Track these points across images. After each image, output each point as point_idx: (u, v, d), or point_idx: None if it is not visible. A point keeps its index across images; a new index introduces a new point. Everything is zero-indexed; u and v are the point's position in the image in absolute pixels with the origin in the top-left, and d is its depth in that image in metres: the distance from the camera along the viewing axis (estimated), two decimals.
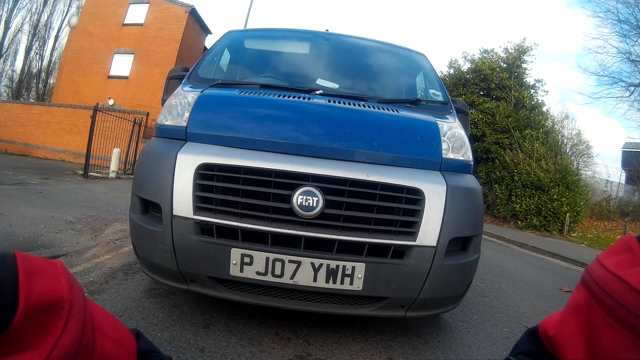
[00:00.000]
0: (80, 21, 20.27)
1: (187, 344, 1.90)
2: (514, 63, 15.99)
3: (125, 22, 18.54)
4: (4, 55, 32.59)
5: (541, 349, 0.43)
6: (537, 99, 16.21)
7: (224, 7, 65.82)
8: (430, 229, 1.82)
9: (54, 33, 32.45)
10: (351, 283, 1.77)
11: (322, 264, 1.75)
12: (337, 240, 1.76)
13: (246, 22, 14.24)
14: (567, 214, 11.53)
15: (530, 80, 16.66)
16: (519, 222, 12.22)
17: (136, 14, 18.41)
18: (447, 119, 2.37)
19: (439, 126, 2.18)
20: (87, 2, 20.48)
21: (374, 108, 2.22)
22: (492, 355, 2.23)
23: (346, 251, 1.79)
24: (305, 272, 1.75)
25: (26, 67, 33.10)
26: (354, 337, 2.19)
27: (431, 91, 3.00)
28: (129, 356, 0.39)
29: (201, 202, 1.79)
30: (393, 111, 2.23)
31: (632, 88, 17.52)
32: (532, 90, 16.44)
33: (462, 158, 2.16)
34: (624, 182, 22.09)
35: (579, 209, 12.14)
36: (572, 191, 11.84)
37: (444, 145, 2.11)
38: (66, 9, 31.70)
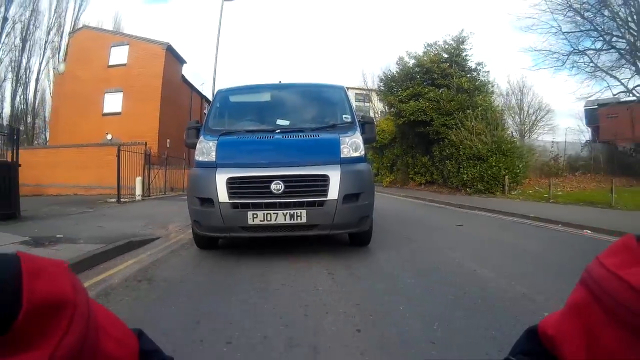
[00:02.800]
0: (68, 67, 22.37)
1: (226, 270, 4.16)
2: (454, 52, 18.40)
3: (110, 63, 20.69)
4: None
5: (541, 349, 0.43)
6: (481, 79, 18.64)
7: (193, 33, 67.79)
8: (333, 192, 4.12)
9: (34, 76, 34.11)
10: (301, 219, 4.06)
11: (287, 213, 4.03)
12: (292, 202, 4.07)
13: (217, 41, 16.49)
14: (506, 177, 13.93)
15: (472, 64, 19.11)
16: (467, 189, 14.63)
17: (118, 55, 20.58)
18: (349, 133, 4.61)
19: (340, 140, 4.45)
20: (71, 49, 22.58)
21: (306, 136, 4.56)
22: (402, 267, 4.46)
23: (296, 206, 4.06)
24: (280, 217, 4.04)
25: (15, 113, 34.85)
26: (303, 261, 4.26)
27: (343, 116, 5.19)
28: (131, 356, 0.40)
29: (230, 194, 4.08)
30: (316, 136, 4.57)
31: (564, 58, 19.85)
32: (475, 73, 18.87)
33: (356, 155, 4.46)
34: (570, 141, 24.33)
35: (517, 170, 14.56)
36: (508, 157, 14.25)
37: (345, 150, 4.39)
38: (42, 52, 33.41)
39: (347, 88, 20.92)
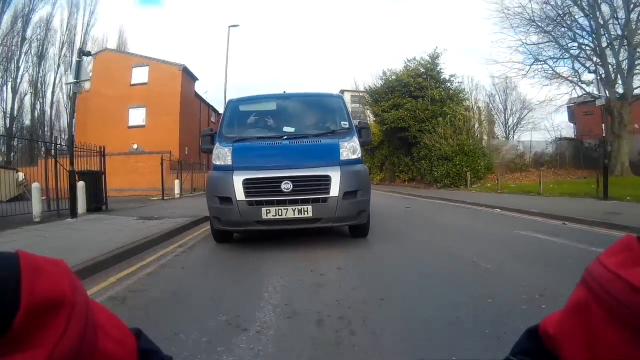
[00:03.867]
0: (93, 85, 25.46)
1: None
2: (429, 67, 21.62)
3: (132, 82, 23.83)
4: (16, 118, 37.38)
5: (541, 348, 0.43)
6: (454, 88, 21.84)
7: (204, 51, 71.26)
8: (334, 189, 4.80)
9: (49, 90, 37.05)
10: (307, 214, 4.76)
11: (295, 208, 4.74)
12: (299, 199, 4.77)
13: (226, 63, 19.69)
14: (468, 173, 17.09)
15: (445, 76, 22.33)
16: (437, 184, 17.81)
17: (139, 75, 23.72)
18: (347, 138, 5.33)
19: (340, 144, 5.15)
20: (95, 68, 25.66)
21: (310, 141, 5.31)
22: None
23: (303, 202, 4.77)
24: (289, 212, 4.74)
25: (35, 125, 37.85)
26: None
27: (341, 122, 5.82)
28: (130, 355, 0.40)
29: (246, 193, 4.81)
30: (319, 141, 5.33)
31: (527, 67, 22.92)
32: (448, 83, 22.08)
33: (354, 157, 5.16)
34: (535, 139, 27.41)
35: (479, 167, 17.72)
36: (469, 157, 17.44)
37: (344, 153, 5.09)
38: (56, 67, 36.33)
39: (342, 91, 24.97)
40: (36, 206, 7.47)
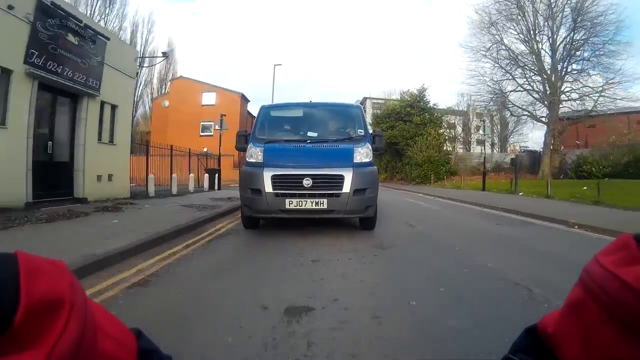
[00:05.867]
0: (170, 104, 35.11)
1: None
2: (416, 99, 30.40)
3: (203, 103, 33.31)
4: None
5: (540, 347, 0.43)
6: (435, 116, 30.57)
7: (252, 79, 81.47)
8: (347, 187, 5.91)
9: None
10: (323, 206, 5.89)
11: (313, 201, 5.89)
12: (317, 193, 5.93)
13: (272, 94, 28.84)
14: (432, 176, 25.78)
15: (431, 105, 31.07)
16: (413, 182, 26.62)
17: (208, 98, 33.17)
18: (361, 144, 6.36)
19: (354, 149, 6.20)
20: (171, 91, 35.26)
21: (329, 145, 6.45)
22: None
23: (320, 196, 5.93)
24: (308, 204, 5.89)
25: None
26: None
27: (358, 130, 6.89)
28: (130, 355, 0.40)
29: (274, 186, 5.90)
30: (337, 145, 6.44)
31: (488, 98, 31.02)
32: (431, 111, 30.81)
33: (366, 160, 6.25)
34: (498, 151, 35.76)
35: (440, 171, 26.36)
36: (434, 164, 26.16)
37: (357, 157, 6.16)
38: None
39: (366, 98, 37.34)
40: (150, 187, 12.52)
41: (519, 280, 3.65)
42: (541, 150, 30.57)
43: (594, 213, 8.90)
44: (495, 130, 44.74)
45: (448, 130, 31.77)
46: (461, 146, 38.60)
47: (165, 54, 17.94)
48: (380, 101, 48.39)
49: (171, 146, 16.03)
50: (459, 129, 37.36)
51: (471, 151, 36.97)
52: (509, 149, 43.45)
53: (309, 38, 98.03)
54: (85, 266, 3.63)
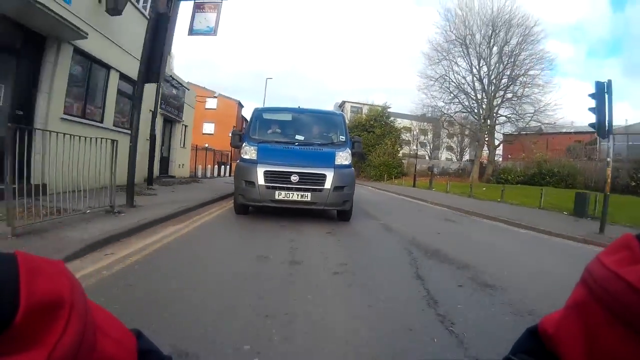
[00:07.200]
0: None
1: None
2: (379, 114, 38.41)
3: (206, 107, 40.30)
4: None
5: (541, 348, 0.43)
6: (394, 127, 38.66)
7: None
8: (328, 184, 6.99)
9: None
10: (307, 198, 6.97)
11: (299, 193, 6.97)
12: (302, 187, 6.98)
13: (264, 99, 36.39)
14: (385, 175, 33.83)
15: (391, 118, 39.18)
16: (372, 179, 34.65)
17: (211, 103, 40.20)
18: (342, 149, 7.50)
19: (336, 153, 7.31)
20: None
21: (314, 148, 7.58)
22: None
23: (305, 190, 6.97)
24: (295, 196, 6.96)
25: None
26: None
27: (340, 136, 7.92)
28: (130, 356, 0.40)
29: (265, 179, 6.95)
30: (321, 148, 7.59)
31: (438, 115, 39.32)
32: (391, 124, 38.87)
33: (345, 163, 7.38)
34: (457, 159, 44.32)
35: (392, 172, 34.43)
36: (387, 167, 34.26)
37: (338, 160, 7.27)
38: None
39: (344, 102, 47.82)
40: (199, 172, 23.48)
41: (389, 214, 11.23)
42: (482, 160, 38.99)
43: (457, 200, 16.37)
44: (457, 141, 53.20)
45: (406, 134, 40.02)
46: (422, 149, 47.03)
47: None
48: (357, 105, 56.38)
49: (205, 147, 23.22)
50: (423, 136, 45.61)
51: (438, 157, 45.29)
52: (464, 157, 52.14)
53: (296, 46, 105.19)
54: (202, 204, 10.68)
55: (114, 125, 9.98)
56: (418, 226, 7.97)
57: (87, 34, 7.57)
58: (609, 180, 8.25)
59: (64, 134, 5.12)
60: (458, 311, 2.95)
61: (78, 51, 8.12)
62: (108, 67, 9.50)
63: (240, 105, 42.04)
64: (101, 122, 9.41)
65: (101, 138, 5.94)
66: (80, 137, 5.30)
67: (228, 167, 27.59)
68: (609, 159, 8.42)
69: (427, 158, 48.83)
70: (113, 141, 6.14)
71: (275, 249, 4.79)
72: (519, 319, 2.89)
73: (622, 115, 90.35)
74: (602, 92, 7.87)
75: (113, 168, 6.12)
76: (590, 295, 0.38)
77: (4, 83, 6.78)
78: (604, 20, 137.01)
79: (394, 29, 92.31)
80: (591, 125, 8.24)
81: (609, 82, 7.84)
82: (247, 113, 51.99)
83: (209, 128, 40.03)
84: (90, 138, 5.56)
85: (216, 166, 26.85)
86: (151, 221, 5.81)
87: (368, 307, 2.96)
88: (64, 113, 7.91)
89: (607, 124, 7.79)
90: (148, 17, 10.87)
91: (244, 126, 46.04)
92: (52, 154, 5.06)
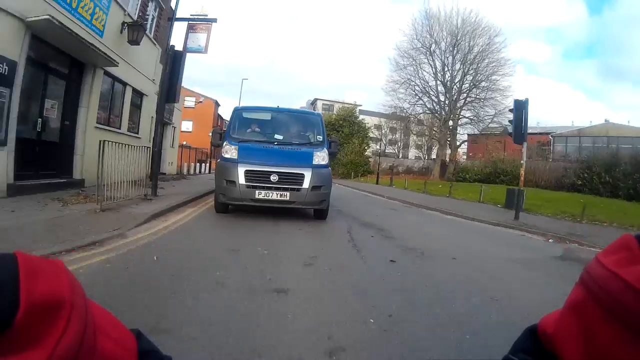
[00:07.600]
0: None
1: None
2: (348, 113, 41.38)
3: (185, 105, 42.05)
4: None
5: (540, 347, 0.43)
6: (363, 126, 41.71)
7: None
8: (306, 183, 7.30)
9: None
10: (286, 197, 7.27)
11: (278, 193, 7.27)
12: (282, 187, 7.29)
13: (240, 97, 38.70)
14: (352, 173, 36.91)
15: (359, 118, 42.20)
16: (339, 176, 37.63)
17: (189, 102, 41.94)
18: (319, 149, 7.84)
19: (314, 153, 7.61)
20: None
21: (293, 148, 7.93)
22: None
23: (284, 190, 7.27)
24: (274, 195, 7.25)
25: None
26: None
27: (317, 136, 8.28)
28: (130, 356, 0.40)
29: (246, 179, 7.22)
30: (300, 148, 7.94)
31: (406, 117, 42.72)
32: (359, 124, 41.88)
33: (323, 163, 7.71)
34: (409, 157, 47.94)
35: (359, 169, 37.58)
36: (354, 165, 37.42)
37: (316, 160, 7.56)
38: None
39: (316, 99, 51.31)
40: (184, 170, 25.83)
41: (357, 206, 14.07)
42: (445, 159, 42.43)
43: (410, 195, 19.51)
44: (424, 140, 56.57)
45: (375, 133, 43.26)
46: (392, 147, 50.37)
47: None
48: (329, 103, 59.05)
49: (183, 144, 25.36)
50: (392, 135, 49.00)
51: (408, 155, 48.81)
52: (432, 156, 55.59)
53: (271, 42, 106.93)
54: (201, 195, 13.39)
55: (127, 130, 12.32)
56: (365, 212, 10.71)
57: (118, 63, 9.96)
58: (522, 179, 10.72)
59: (113, 142, 7.57)
60: (365, 245, 5.78)
61: (107, 73, 10.48)
62: (125, 84, 11.84)
63: (217, 104, 44.08)
64: (119, 128, 11.77)
65: (136, 146, 8.42)
66: (124, 144, 7.66)
67: (208, 164, 29.67)
68: (522, 162, 10.68)
69: (397, 157, 52.35)
70: (147, 147, 8.63)
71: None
72: (396, 247, 5.78)
73: (601, 116, 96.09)
74: (520, 107, 9.62)
75: (148, 167, 8.62)
76: (589, 296, 0.38)
77: (57, 100, 9.11)
78: (580, 24, 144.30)
79: (369, 26, 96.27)
80: (509, 133, 10.31)
81: (526, 100, 9.65)
82: (224, 112, 53.96)
83: (186, 126, 41.85)
84: (126, 144, 8.05)
85: (197, 164, 28.87)
86: (174, 205, 8.31)
87: (320, 243, 5.73)
88: (97, 122, 10.27)
89: (522, 134, 9.71)
90: (155, 42, 13.29)
91: (219, 124, 48.16)
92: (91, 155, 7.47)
